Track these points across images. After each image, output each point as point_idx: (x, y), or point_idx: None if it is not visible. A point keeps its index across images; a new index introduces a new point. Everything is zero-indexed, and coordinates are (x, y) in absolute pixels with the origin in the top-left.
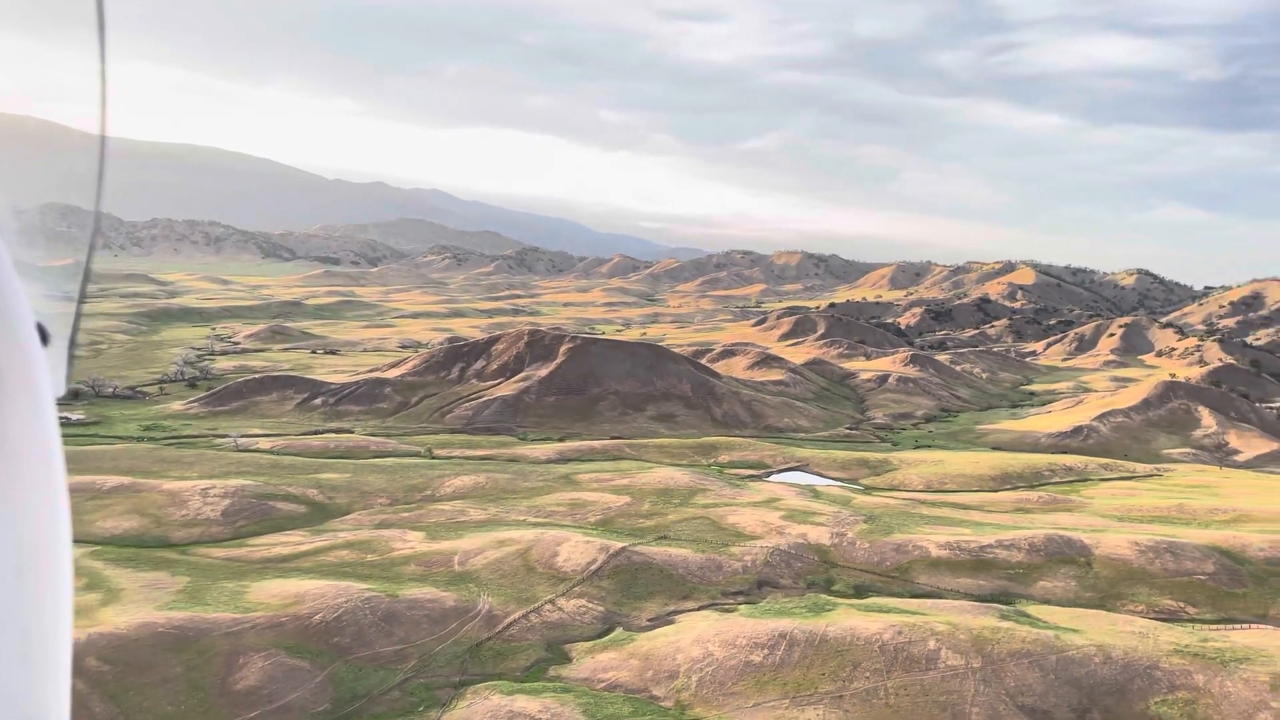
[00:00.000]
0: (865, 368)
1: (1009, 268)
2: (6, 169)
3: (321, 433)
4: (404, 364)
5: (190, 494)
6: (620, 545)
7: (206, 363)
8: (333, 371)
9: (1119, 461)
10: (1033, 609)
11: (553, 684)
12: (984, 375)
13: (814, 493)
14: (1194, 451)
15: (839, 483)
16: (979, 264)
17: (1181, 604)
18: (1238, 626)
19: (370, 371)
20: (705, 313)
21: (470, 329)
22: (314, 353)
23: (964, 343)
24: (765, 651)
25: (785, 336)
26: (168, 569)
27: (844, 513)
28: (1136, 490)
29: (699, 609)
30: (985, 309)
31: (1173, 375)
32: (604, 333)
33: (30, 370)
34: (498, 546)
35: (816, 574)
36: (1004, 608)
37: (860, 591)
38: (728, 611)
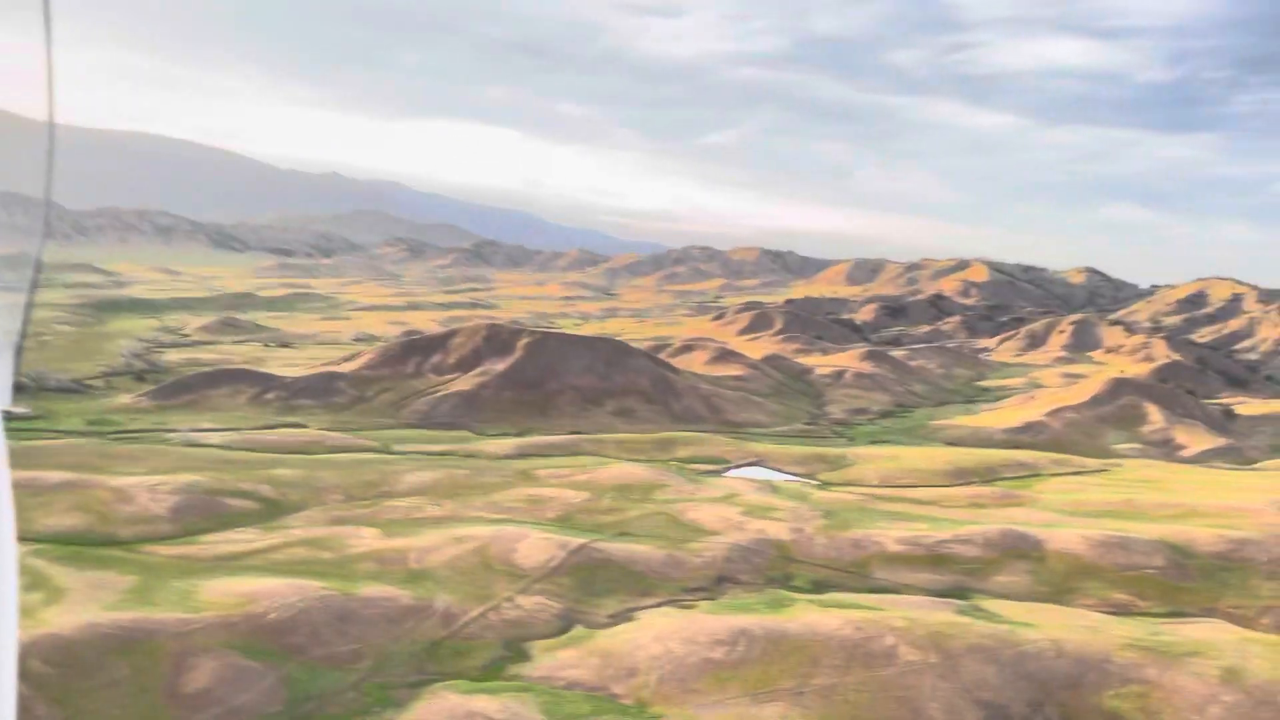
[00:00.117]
0: (822, 363)
1: (963, 265)
2: None
3: (275, 427)
4: (359, 357)
5: (137, 490)
6: (580, 542)
7: (155, 355)
8: (286, 365)
9: (1070, 457)
10: (988, 604)
11: (511, 683)
12: (939, 371)
13: (773, 488)
14: (1142, 447)
15: (797, 478)
16: (934, 261)
17: (1132, 597)
18: (1187, 620)
19: (325, 365)
20: (663, 307)
21: (427, 322)
22: (267, 345)
23: (919, 339)
24: (726, 648)
25: (743, 331)
26: (114, 567)
27: (802, 508)
28: (1087, 485)
29: (659, 605)
30: (940, 305)
31: (1122, 372)
32: (562, 327)
33: None
34: (455, 543)
35: (776, 569)
36: (960, 603)
37: (819, 587)
38: (688, 608)
